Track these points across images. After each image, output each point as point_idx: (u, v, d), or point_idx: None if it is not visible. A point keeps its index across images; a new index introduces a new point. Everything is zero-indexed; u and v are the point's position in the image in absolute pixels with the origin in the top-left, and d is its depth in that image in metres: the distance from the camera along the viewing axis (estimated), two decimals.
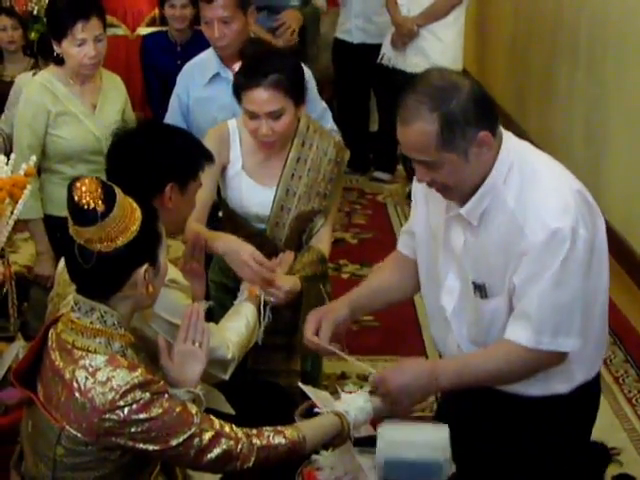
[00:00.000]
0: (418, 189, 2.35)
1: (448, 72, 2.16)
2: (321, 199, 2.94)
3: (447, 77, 2.12)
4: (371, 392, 2.24)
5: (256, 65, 2.76)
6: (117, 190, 1.89)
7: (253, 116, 2.77)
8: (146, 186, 2.27)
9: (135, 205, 1.92)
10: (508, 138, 2.19)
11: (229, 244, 2.78)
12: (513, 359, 2.17)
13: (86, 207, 1.82)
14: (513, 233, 2.13)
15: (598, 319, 2.30)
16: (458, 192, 2.18)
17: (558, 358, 2.18)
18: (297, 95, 2.82)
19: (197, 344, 2.14)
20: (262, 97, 2.74)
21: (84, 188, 1.82)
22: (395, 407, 2.22)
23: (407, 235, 2.49)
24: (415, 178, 2.21)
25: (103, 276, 1.92)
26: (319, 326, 2.35)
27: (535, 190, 2.13)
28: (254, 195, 2.92)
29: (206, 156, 2.43)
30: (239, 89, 2.78)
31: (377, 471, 2.08)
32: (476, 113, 2.08)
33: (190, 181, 2.35)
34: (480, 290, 2.23)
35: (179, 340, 2.14)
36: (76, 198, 1.82)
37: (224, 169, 2.92)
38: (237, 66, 2.79)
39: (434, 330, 2.45)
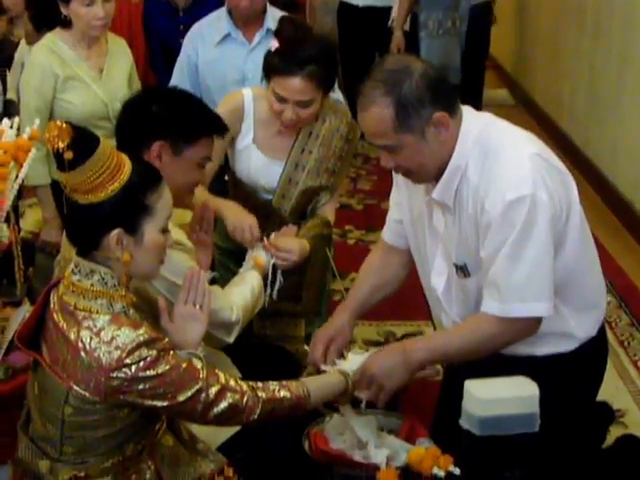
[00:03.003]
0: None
1: (402, 57, 2.18)
2: (329, 175, 2.93)
3: (400, 61, 2.17)
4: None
5: (294, 51, 2.72)
6: (103, 146, 1.88)
7: (281, 100, 2.74)
8: (136, 139, 2.28)
9: (125, 168, 1.91)
10: (468, 115, 2.22)
11: (232, 212, 2.79)
12: (485, 330, 2.21)
13: (55, 150, 1.82)
14: (478, 209, 2.17)
15: (589, 276, 2.34)
16: (422, 175, 2.23)
17: (532, 325, 2.20)
18: (328, 85, 2.81)
19: (198, 306, 2.15)
20: (296, 87, 2.71)
21: (56, 132, 1.82)
22: (381, 392, 2.25)
23: (393, 223, 2.52)
24: None
25: (78, 229, 1.96)
26: (327, 348, 2.39)
27: (493, 164, 2.16)
28: (263, 168, 2.92)
29: (215, 127, 2.41)
30: (272, 71, 2.74)
31: (470, 427, 2.08)
32: (430, 94, 2.12)
33: (183, 144, 2.33)
34: (462, 270, 2.28)
35: (179, 302, 2.15)
36: (47, 137, 1.82)
37: (233, 140, 2.90)
38: (273, 44, 2.76)
39: (431, 306, 2.50)
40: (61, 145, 1.81)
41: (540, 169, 2.15)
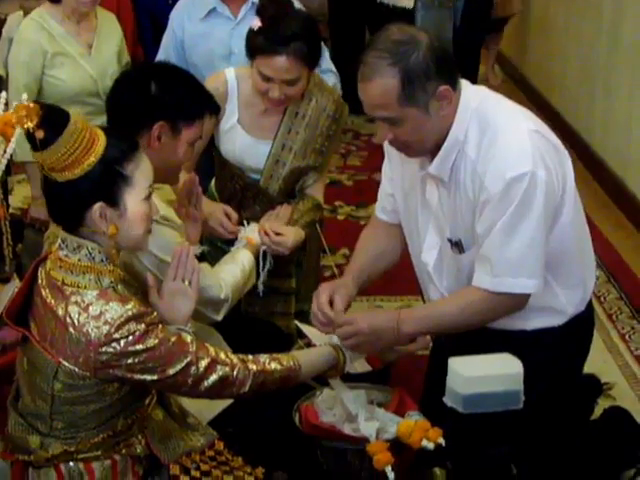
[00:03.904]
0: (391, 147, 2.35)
1: (407, 28, 2.16)
2: (317, 155, 2.92)
3: (406, 32, 2.13)
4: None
5: (277, 29, 2.69)
6: (74, 122, 1.86)
7: (266, 79, 2.72)
8: (135, 120, 2.26)
9: (99, 141, 1.89)
10: (466, 89, 2.20)
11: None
12: (475, 303, 2.22)
13: (26, 130, 1.81)
14: (476, 185, 2.16)
15: (581, 253, 2.34)
16: (420, 149, 2.21)
17: (521, 301, 2.21)
18: (313, 61, 2.79)
19: (187, 282, 2.14)
20: (282, 65, 2.68)
21: (23, 112, 1.81)
22: (360, 348, 2.26)
23: (385, 198, 2.50)
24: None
25: (60, 208, 1.95)
26: (332, 299, 2.34)
27: (492, 140, 2.14)
28: (249, 149, 2.90)
29: (210, 106, 2.40)
30: (256, 51, 2.72)
31: (455, 404, 2.12)
32: (436, 67, 2.09)
33: (182, 124, 2.31)
34: (457, 246, 2.27)
35: (168, 278, 2.15)
36: (14, 120, 1.81)
37: (217, 121, 2.87)
38: (255, 23, 2.73)
39: (419, 280, 2.49)
40: (30, 125, 1.81)
41: (539, 146, 2.14)
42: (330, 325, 2.30)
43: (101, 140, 1.90)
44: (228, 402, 2.33)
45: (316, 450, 2.26)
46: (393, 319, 2.25)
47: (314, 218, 2.93)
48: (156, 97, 2.30)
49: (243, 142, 2.89)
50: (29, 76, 3.32)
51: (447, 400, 2.10)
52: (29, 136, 1.83)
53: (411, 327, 2.26)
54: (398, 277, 3.59)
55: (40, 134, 1.82)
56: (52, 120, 1.84)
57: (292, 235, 2.77)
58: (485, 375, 2.09)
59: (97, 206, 1.91)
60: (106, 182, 1.91)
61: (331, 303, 2.33)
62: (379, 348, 2.30)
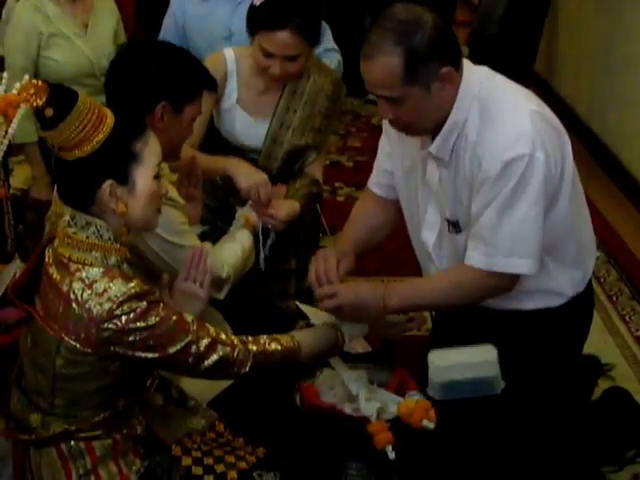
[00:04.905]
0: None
1: (412, 7, 2.15)
2: (315, 134, 2.92)
3: (411, 12, 2.12)
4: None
5: (280, 4, 2.69)
6: (82, 100, 1.86)
7: (268, 55, 2.72)
8: (137, 102, 2.26)
9: (107, 119, 1.90)
10: (468, 70, 2.20)
11: (243, 171, 2.76)
12: (465, 280, 2.22)
13: (36, 109, 1.82)
14: (475, 166, 2.16)
15: (580, 235, 2.34)
16: (419, 129, 2.21)
17: (510, 281, 2.21)
18: (314, 38, 2.79)
19: (198, 284, 2.17)
20: (285, 41, 2.69)
21: (32, 90, 1.81)
22: (339, 316, 2.26)
23: (381, 173, 2.49)
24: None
25: (70, 187, 1.95)
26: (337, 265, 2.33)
27: (492, 122, 2.14)
28: (248, 129, 2.91)
29: (208, 82, 2.40)
30: (258, 26, 2.71)
31: (433, 393, 2.17)
32: (440, 48, 2.09)
33: (184, 102, 2.32)
34: (454, 226, 2.28)
35: (180, 279, 2.18)
36: (23, 96, 1.82)
37: (217, 101, 2.88)
38: None
39: (419, 260, 2.49)
40: (39, 102, 1.81)
41: (539, 128, 2.14)
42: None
43: (109, 119, 1.91)
44: (227, 382, 2.33)
45: (316, 430, 2.26)
46: (378, 292, 2.25)
47: (310, 190, 2.93)
48: (155, 77, 2.29)
49: (242, 122, 2.90)
50: (25, 58, 3.31)
51: (429, 391, 2.15)
52: (38, 114, 1.83)
53: (398, 302, 2.25)
54: (396, 258, 3.62)
55: (49, 112, 1.82)
56: (60, 98, 1.84)
57: (285, 208, 2.78)
58: (458, 363, 2.13)
59: (107, 184, 1.91)
60: (115, 159, 1.91)
61: None
62: (365, 320, 2.29)
